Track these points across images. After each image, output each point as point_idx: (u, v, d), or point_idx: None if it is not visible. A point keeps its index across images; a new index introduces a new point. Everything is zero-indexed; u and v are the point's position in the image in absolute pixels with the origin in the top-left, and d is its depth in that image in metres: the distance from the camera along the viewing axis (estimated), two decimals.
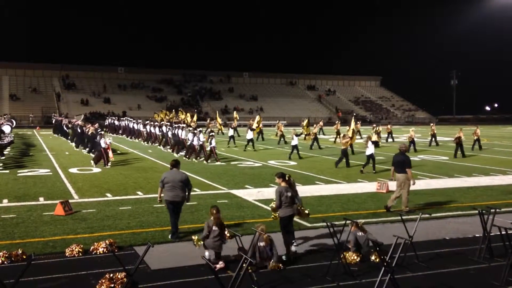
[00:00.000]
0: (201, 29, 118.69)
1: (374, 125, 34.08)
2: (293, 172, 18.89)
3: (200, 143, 22.66)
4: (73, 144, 29.80)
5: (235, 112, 46.03)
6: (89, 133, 25.31)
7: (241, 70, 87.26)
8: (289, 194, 8.53)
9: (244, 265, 6.31)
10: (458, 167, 20.78)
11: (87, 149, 25.91)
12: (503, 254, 8.21)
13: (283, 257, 8.25)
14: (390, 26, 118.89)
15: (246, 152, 26.74)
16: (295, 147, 23.33)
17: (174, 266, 7.99)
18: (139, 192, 14.31)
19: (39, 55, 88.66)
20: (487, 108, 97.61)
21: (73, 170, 19.16)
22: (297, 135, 23.85)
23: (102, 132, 22.23)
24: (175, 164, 9.93)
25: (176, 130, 26.13)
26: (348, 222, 8.22)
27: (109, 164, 20.19)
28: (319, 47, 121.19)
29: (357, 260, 8.22)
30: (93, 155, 21.97)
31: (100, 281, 6.92)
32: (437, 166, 20.88)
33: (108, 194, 14.04)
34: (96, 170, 19.21)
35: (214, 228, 8.00)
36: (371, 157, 19.04)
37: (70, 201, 12.29)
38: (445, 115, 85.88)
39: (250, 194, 13.98)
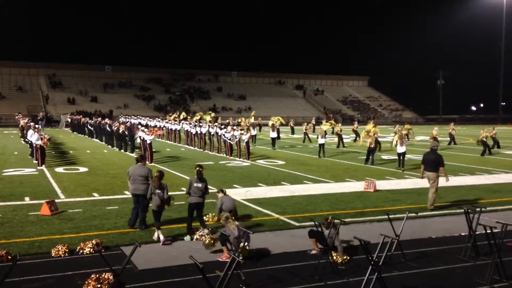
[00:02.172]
0: (189, 29, 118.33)
1: (397, 125, 34.73)
2: (281, 172, 18.93)
3: (230, 140, 24.04)
4: (106, 143, 30.05)
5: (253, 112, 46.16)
6: (120, 131, 25.56)
7: (229, 69, 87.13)
8: (199, 185, 9.79)
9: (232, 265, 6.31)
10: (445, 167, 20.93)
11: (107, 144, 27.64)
12: (488, 253, 8.31)
13: (187, 238, 9.49)
14: (377, 27, 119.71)
15: (273, 152, 27.26)
16: (321, 145, 24.24)
17: (162, 266, 7.95)
18: (126, 192, 14.19)
19: (25, 53, 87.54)
20: (473, 108, 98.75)
21: (59, 169, 18.99)
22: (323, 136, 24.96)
23: (145, 130, 22.58)
24: (138, 159, 10.64)
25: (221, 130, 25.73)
26: (336, 221, 8.25)
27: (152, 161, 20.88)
28: (308, 47, 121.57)
29: (347, 259, 8.22)
30: (127, 152, 24.06)
31: (86, 282, 6.87)
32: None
33: (95, 194, 13.93)
34: (82, 169, 19.05)
35: (158, 191, 9.39)
36: (402, 154, 19.63)
37: (56, 200, 12.17)
38: (432, 115, 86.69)
39: (238, 193, 13.96)
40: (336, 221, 8.24)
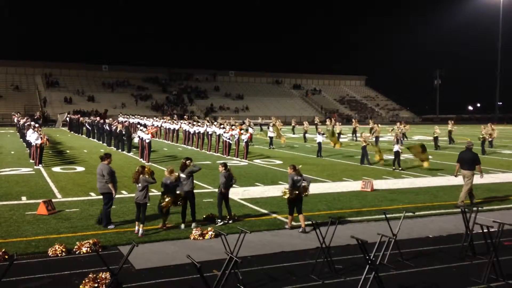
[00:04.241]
0: (186, 28, 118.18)
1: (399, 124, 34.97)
2: (278, 171, 18.92)
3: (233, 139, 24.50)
4: (105, 143, 30.02)
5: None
6: (118, 130, 25.56)
7: (226, 69, 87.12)
8: (183, 175, 10.55)
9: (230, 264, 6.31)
10: (441, 166, 20.99)
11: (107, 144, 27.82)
12: (485, 252, 8.34)
13: (181, 226, 10.29)
14: (375, 26, 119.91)
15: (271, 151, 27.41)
16: (319, 144, 24.35)
17: (159, 266, 7.94)
18: (123, 191, 14.18)
19: (21, 52, 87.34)
20: (470, 107, 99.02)
21: (56, 169, 18.94)
22: (320, 134, 25.13)
23: (144, 129, 22.54)
24: (102, 157, 10.67)
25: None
26: (333, 220, 8.26)
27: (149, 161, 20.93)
28: (305, 47, 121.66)
29: (295, 195, 9.96)
30: (124, 152, 24.28)
31: (83, 281, 6.86)
32: (421, 165, 21.06)
33: (92, 193, 13.89)
34: (79, 169, 19.01)
35: (138, 185, 9.86)
36: (397, 153, 19.78)
37: (53, 200, 12.15)
38: (429, 115, 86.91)
39: (236, 193, 13.95)
40: (332, 219, 8.25)
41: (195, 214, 10.60)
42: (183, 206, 10.53)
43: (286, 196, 10.10)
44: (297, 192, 10.09)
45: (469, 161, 12.75)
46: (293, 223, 10.36)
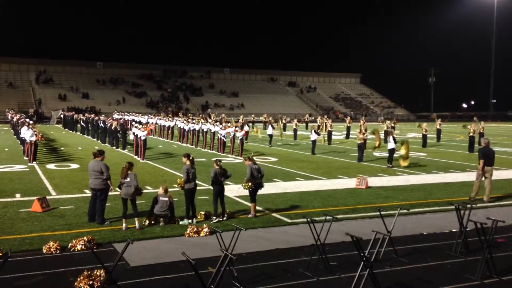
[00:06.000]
0: (181, 25, 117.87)
1: (393, 120, 35.08)
2: (273, 168, 18.94)
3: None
4: (99, 140, 30.05)
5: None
6: (113, 127, 25.49)
7: (221, 66, 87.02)
8: (193, 170, 10.82)
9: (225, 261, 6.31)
10: (436, 164, 21.09)
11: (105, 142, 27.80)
12: (479, 249, 8.38)
13: (185, 221, 10.38)
14: (370, 24, 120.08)
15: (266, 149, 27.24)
16: (313, 142, 24.54)
17: (154, 263, 7.94)
18: (117, 189, 14.11)
19: (15, 49, 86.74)
20: (464, 105, 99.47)
21: (51, 166, 18.87)
22: (316, 132, 25.25)
23: (139, 126, 22.51)
24: (95, 153, 10.69)
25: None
26: (328, 217, 8.27)
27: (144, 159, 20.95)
28: (300, 44, 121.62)
29: (253, 186, 10.84)
30: (119, 149, 24.53)
31: (78, 279, 6.84)
32: (416, 163, 21.17)
33: (87, 191, 13.81)
34: (74, 166, 18.94)
35: (125, 180, 9.97)
36: (392, 151, 19.83)
37: (47, 197, 12.11)
38: (423, 112, 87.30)
39: (231, 190, 13.95)
40: (328, 217, 8.27)
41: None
42: (186, 202, 10.61)
43: (247, 188, 10.93)
44: (255, 181, 10.88)
45: (492, 156, 13.21)
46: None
